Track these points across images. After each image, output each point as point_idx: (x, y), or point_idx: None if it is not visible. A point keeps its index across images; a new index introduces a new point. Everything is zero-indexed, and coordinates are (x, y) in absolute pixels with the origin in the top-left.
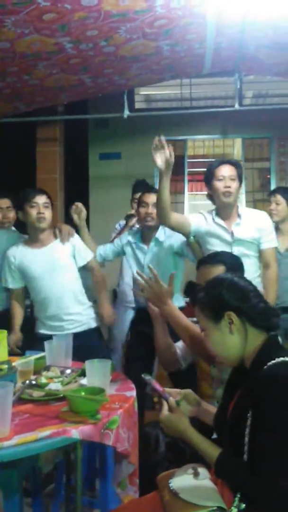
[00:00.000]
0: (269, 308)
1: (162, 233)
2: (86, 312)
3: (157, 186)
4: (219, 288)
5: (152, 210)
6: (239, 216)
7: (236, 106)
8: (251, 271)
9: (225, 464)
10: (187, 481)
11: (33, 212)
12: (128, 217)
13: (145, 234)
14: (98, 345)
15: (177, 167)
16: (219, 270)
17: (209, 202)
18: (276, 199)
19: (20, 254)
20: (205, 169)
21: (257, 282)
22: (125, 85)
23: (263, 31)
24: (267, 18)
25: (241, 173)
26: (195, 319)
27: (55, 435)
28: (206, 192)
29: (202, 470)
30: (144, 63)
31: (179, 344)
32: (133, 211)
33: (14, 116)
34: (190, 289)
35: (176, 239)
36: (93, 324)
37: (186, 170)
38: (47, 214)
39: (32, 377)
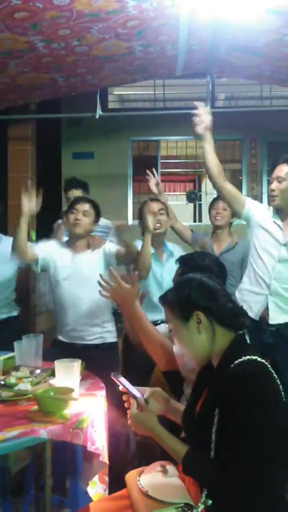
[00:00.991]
0: (236, 307)
1: (173, 248)
2: (104, 325)
3: (130, 186)
4: (187, 288)
5: (160, 217)
6: None
7: (208, 108)
8: None
9: (192, 461)
10: (156, 478)
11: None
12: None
13: (154, 242)
14: (111, 361)
15: (150, 168)
16: (185, 271)
17: (181, 202)
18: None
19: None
20: (178, 170)
21: None
22: (98, 85)
23: (234, 34)
24: (238, 21)
25: None
26: None
27: (23, 435)
28: (179, 193)
29: (170, 468)
30: (116, 64)
31: None
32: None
33: None
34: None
35: (180, 251)
36: (109, 339)
37: (159, 170)
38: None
39: (1, 377)
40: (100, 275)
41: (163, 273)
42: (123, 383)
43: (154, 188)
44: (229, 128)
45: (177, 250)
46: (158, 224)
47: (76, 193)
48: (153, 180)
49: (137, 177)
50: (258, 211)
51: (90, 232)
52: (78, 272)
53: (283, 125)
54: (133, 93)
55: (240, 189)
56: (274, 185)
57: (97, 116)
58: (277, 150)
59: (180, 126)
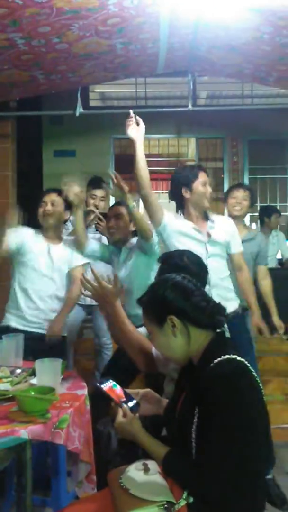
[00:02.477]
0: (212, 306)
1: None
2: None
3: (111, 185)
4: (162, 289)
5: (115, 223)
6: (211, 220)
7: (190, 107)
8: (223, 271)
9: (171, 462)
10: (138, 476)
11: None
12: (86, 214)
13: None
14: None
15: (132, 166)
16: (163, 270)
17: (164, 200)
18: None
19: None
20: (160, 168)
21: (229, 279)
22: (79, 83)
23: (215, 32)
24: (218, 19)
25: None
26: None
27: (3, 435)
28: (161, 191)
29: (152, 466)
30: (97, 61)
31: None
32: (90, 208)
33: None
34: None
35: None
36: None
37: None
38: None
39: None
40: (82, 274)
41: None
42: (109, 390)
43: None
44: (210, 127)
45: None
46: (113, 230)
47: (99, 193)
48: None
49: (120, 176)
50: (174, 221)
51: (62, 222)
52: (52, 262)
53: (264, 124)
54: (115, 91)
55: (222, 188)
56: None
57: (77, 114)
58: (258, 149)
59: (162, 124)
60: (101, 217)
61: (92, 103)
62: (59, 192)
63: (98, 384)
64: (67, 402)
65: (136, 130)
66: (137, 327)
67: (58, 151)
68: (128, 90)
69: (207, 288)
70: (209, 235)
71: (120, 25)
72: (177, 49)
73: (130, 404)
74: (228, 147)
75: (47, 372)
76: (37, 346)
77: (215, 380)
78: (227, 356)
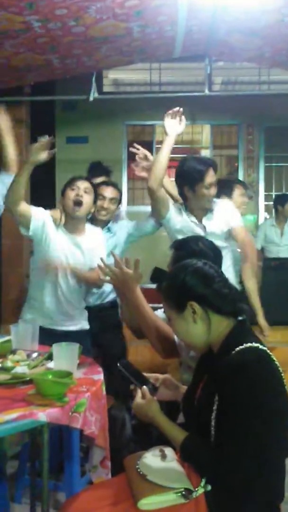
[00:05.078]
0: (234, 293)
1: (113, 225)
2: (82, 312)
3: (124, 171)
4: (182, 274)
5: (109, 205)
6: (210, 210)
7: (206, 91)
8: (225, 261)
9: (190, 447)
10: (155, 463)
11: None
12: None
13: (97, 225)
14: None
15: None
16: (179, 256)
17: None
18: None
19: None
20: (173, 155)
21: (231, 271)
22: (94, 67)
23: (234, 16)
24: (239, 2)
25: None
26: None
27: (22, 417)
28: (173, 179)
29: (169, 452)
30: (113, 45)
31: None
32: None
33: None
34: (156, 276)
35: (123, 226)
36: (86, 326)
37: (154, 156)
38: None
39: None
40: (101, 258)
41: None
42: (130, 372)
43: (141, 172)
44: (225, 113)
45: (121, 228)
46: (104, 212)
47: (101, 179)
48: (144, 162)
49: (132, 162)
50: (176, 218)
51: (89, 215)
52: (73, 256)
53: (281, 111)
54: (128, 77)
55: (236, 176)
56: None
57: (91, 99)
58: (274, 136)
59: None
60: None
61: (105, 88)
62: (91, 182)
63: (118, 365)
64: (84, 386)
65: (174, 125)
66: None
67: (70, 138)
68: (142, 76)
69: None
70: (204, 228)
71: (138, 8)
72: (195, 32)
73: (149, 387)
74: (243, 134)
75: (65, 356)
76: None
77: (237, 368)
78: (249, 344)
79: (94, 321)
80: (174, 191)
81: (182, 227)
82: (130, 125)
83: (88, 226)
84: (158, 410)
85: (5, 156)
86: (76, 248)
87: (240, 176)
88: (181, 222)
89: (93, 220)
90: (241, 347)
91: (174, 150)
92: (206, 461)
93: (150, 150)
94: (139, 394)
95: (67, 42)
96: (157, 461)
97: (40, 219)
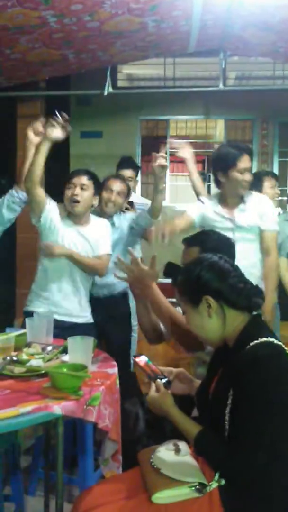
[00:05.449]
0: (250, 288)
1: (118, 218)
2: (87, 305)
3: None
4: (198, 269)
5: (116, 198)
6: (244, 201)
7: (221, 86)
8: (251, 255)
9: (204, 442)
10: (169, 457)
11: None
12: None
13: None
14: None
15: (159, 148)
16: (194, 251)
17: (189, 183)
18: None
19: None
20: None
21: (257, 266)
22: (109, 62)
23: (250, 10)
24: None
25: None
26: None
27: (37, 410)
28: (187, 173)
29: (183, 446)
30: (128, 39)
31: None
32: None
33: None
34: (169, 270)
35: (126, 219)
36: (91, 319)
37: (168, 150)
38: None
39: (13, 353)
40: (118, 257)
41: None
42: (144, 365)
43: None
44: (240, 108)
45: (123, 220)
46: (111, 204)
47: (128, 173)
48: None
49: (146, 157)
50: (202, 211)
51: (90, 208)
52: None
53: None
54: (142, 72)
55: (251, 171)
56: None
57: (106, 93)
58: None
59: (190, 105)
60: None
61: (119, 83)
62: (90, 174)
63: (133, 358)
64: (98, 380)
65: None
66: None
67: (85, 132)
68: (156, 71)
69: None
70: (233, 221)
71: (153, 2)
72: (210, 26)
73: (163, 380)
74: (258, 129)
75: (79, 349)
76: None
77: (252, 362)
78: (264, 339)
79: (104, 311)
80: (201, 186)
81: (210, 218)
82: (144, 120)
83: (94, 217)
84: (172, 403)
85: (24, 169)
86: (82, 238)
87: (254, 171)
88: (208, 214)
89: (100, 212)
90: (256, 341)
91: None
92: (220, 456)
93: (164, 145)
94: (153, 387)
95: (82, 37)
96: (171, 455)
97: (52, 210)
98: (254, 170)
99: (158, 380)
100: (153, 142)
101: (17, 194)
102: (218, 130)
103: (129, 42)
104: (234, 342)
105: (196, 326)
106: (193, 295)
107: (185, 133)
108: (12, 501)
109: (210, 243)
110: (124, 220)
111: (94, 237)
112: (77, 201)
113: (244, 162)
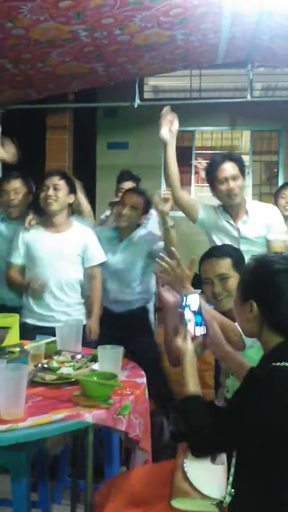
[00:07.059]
0: None
1: (137, 234)
2: (78, 307)
3: (163, 177)
4: (269, 270)
5: (127, 212)
6: (246, 213)
7: (248, 97)
8: None
9: (193, 403)
10: (203, 463)
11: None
12: (112, 204)
13: (121, 232)
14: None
15: (185, 159)
16: (225, 262)
17: (206, 194)
18: None
19: (32, 232)
20: None
21: None
22: (137, 74)
23: (278, 21)
24: (283, 8)
25: (244, 167)
26: None
27: (69, 418)
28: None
29: (220, 455)
30: (157, 52)
31: None
32: (117, 199)
33: (25, 103)
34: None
35: (150, 242)
36: (84, 321)
37: (194, 161)
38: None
39: (44, 361)
40: (161, 255)
41: (114, 259)
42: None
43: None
44: (266, 119)
45: (147, 242)
46: (123, 218)
47: (128, 185)
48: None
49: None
50: (212, 215)
51: (67, 207)
52: (58, 251)
53: None
54: (168, 83)
55: (276, 182)
56: (232, 184)
57: (136, 105)
58: None
59: (216, 117)
60: None
61: (145, 95)
62: (63, 174)
63: (182, 295)
64: (128, 389)
65: (169, 131)
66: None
67: (111, 143)
68: (182, 82)
69: None
70: (238, 231)
71: (182, 16)
72: (238, 38)
73: (199, 329)
74: (284, 140)
75: (109, 358)
76: None
77: (263, 384)
78: (283, 363)
79: (125, 328)
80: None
81: (218, 225)
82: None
83: (77, 223)
84: (192, 353)
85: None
86: (57, 242)
87: (280, 182)
88: (218, 219)
89: (116, 228)
90: (277, 364)
91: (212, 156)
92: (198, 423)
93: (189, 156)
94: (182, 334)
95: (112, 50)
96: (205, 462)
97: (22, 248)
98: (281, 181)
99: (188, 324)
100: (179, 153)
101: None
102: (243, 141)
103: (157, 55)
104: (260, 360)
105: (237, 317)
106: (244, 292)
107: (211, 144)
108: (39, 508)
109: (240, 256)
110: (146, 243)
111: (72, 240)
112: (50, 199)
113: (222, 171)
